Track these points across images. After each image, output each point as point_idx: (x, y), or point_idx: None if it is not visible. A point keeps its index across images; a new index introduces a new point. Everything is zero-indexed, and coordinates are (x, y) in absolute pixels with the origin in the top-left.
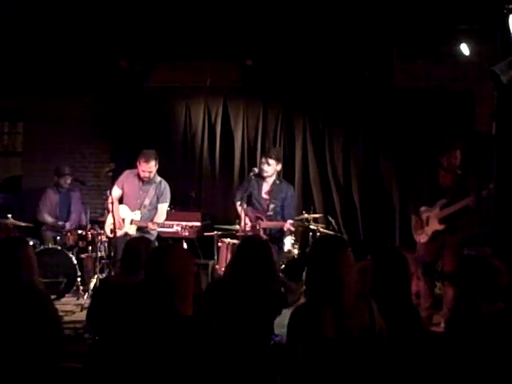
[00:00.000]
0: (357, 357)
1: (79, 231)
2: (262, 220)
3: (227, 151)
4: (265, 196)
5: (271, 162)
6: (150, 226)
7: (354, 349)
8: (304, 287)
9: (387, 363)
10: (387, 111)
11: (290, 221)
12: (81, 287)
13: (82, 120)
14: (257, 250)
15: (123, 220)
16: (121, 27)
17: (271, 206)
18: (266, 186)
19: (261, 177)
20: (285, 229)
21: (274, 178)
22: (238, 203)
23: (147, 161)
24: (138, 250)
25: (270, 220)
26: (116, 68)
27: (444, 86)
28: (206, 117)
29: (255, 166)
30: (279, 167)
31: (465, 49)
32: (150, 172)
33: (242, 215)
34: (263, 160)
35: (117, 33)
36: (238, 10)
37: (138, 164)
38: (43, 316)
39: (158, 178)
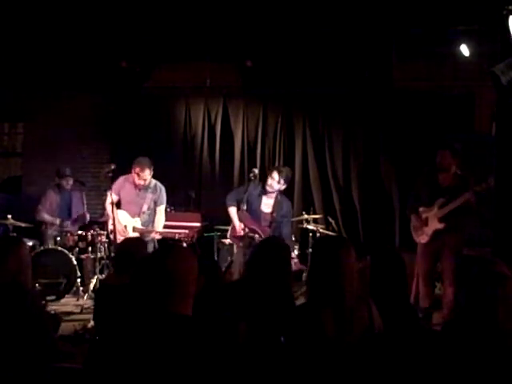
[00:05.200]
0: (356, 356)
1: (79, 232)
2: (257, 233)
3: (227, 151)
4: (265, 210)
5: (282, 181)
6: (153, 235)
7: (353, 349)
8: (304, 288)
9: (386, 363)
10: (387, 112)
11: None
12: (81, 288)
13: (82, 120)
14: (276, 252)
15: (125, 227)
16: (121, 28)
17: (274, 223)
18: (266, 200)
19: (263, 188)
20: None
21: (275, 192)
22: (232, 207)
23: (142, 170)
24: (131, 250)
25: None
26: (116, 68)
27: (444, 87)
28: (206, 117)
29: (255, 167)
30: (284, 187)
31: (465, 49)
32: (145, 180)
33: (235, 219)
34: (275, 176)
35: (117, 33)
36: (237, 11)
37: (132, 171)
38: (35, 316)
39: (153, 182)
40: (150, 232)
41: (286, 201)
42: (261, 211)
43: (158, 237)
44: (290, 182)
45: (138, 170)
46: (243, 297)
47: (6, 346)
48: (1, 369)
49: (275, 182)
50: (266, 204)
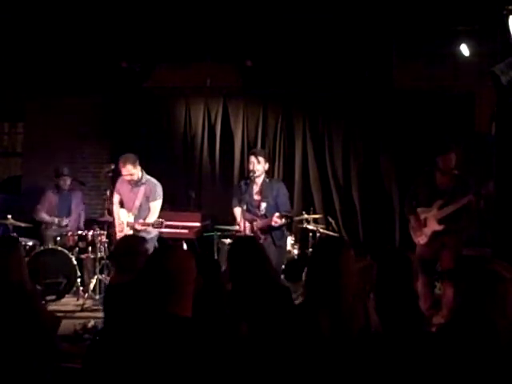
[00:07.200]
0: (352, 357)
1: (79, 231)
2: (254, 221)
3: (227, 151)
4: (256, 197)
5: (261, 159)
6: (136, 226)
7: (349, 349)
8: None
9: (384, 363)
10: (387, 112)
11: (276, 214)
12: (81, 288)
13: (82, 120)
14: (247, 250)
15: (122, 223)
16: (121, 28)
17: (263, 204)
18: (255, 187)
19: (250, 180)
20: (272, 223)
21: (262, 177)
22: (235, 208)
23: (124, 165)
24: (131, 248)
25: (262, 219)
26: (116, 68)
27: (444, 87)
28: (206, 117)
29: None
30: (267, 166)
31: (465, 49)
32: (131, 175)
33: (239, 219)
34: (252, 159)
35: (117, 33)
36: (237, 11)
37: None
38: (33, 316)
39: (146, 178)
40: (136, 223)
41: (276, 182)
42: (254, 200)
43: (138, 227)
44: (289, 180)
45: (120, 165)
46: (238, 305)
47: (6, 345)
48: (6, 367)
49: (256, 164)
50: (256, 191)
